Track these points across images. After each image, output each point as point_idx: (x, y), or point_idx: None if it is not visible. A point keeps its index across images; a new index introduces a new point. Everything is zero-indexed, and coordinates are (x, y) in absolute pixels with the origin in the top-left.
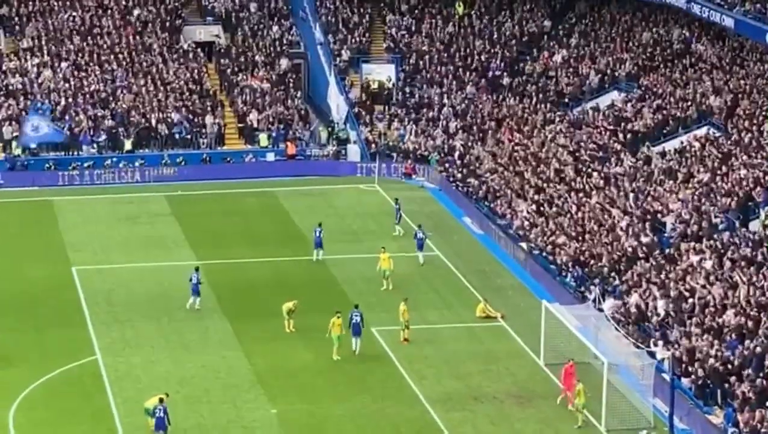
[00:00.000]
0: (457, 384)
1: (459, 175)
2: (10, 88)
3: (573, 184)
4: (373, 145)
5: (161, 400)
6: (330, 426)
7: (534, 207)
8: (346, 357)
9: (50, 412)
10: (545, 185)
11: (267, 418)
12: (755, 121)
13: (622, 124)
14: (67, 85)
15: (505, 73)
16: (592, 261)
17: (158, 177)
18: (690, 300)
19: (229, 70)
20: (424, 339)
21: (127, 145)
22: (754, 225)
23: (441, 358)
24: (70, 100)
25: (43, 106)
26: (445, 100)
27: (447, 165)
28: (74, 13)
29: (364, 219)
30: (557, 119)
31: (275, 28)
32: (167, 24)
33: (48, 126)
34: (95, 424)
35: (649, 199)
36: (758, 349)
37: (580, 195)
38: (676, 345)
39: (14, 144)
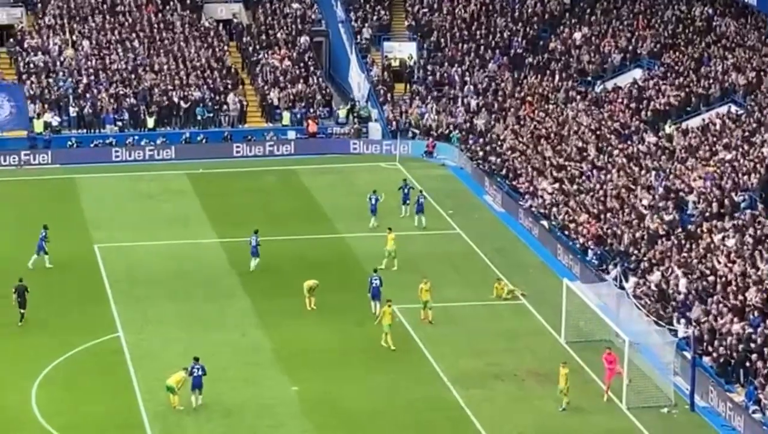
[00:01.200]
0: (477, 362)
1: (480, 153)
2: (32, 65)
3: (595, 162)
4: (394, 123)
5: (196, 359)
6: (350, 403)
7: (555, 185)
8: (366, 334)
9: (72, 389)
10: (567, 163)
11: (287, 396)
12: None
13: (644, 102)
14: (89, 63)
15: (526, 51)
16: (613, 240)
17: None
18: (712, 278)
19: (250, 48)
20: (444, 317)
21: (149, 122)
22: None
23: (461, 336)
24: (92, 78)
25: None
26: (467, 78)
27: (469, 143)
28: None
29: (384, 198)
30: (579, 97)
31: (296, 5)
32: (188, 2)
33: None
34: (116, 401)
35: (671, 177)
36: None
37: (602, 173)
38: (697, 323)
39: (36, 122)
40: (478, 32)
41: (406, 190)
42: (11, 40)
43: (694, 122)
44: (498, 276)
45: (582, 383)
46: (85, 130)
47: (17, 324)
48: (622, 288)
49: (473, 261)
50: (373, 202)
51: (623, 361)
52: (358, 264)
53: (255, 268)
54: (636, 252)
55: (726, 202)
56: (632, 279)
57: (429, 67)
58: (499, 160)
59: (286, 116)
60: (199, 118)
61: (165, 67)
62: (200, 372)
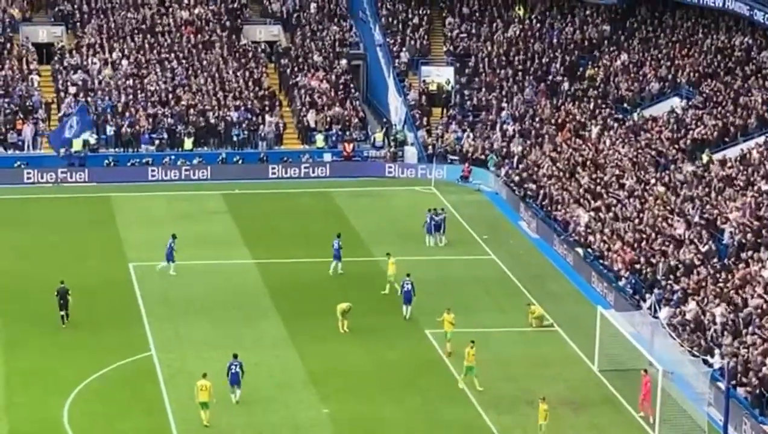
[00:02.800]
0: (510, 388)
1: (517, 179)
2: (70, 84)
3: (632, 190)
4: (430, 148)
5: (235, 356)
6: (382, 427)
7: (592, 212)
8: (398, 358)
9: (104, 407)
10: (603, 191)
11: (319, 418)
12: None
13: (682, 131)
14: (128, 82)
15: (564, 78)
16: (648, 269)
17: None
18: (747, 309)
19: (288, 70)
20: (477, 343)
21: (187, 143)
22: None
23: (494, 361)
24: (131, 97)
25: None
26: (504, 104)
27: (505, 168)
28: (136, 13)
29: (419, 221)
30: (616, 125)
31: (335, 28)
32: (228, 23)
33: (80, 122)
34: (148, 419)
35: (708, 206)
36: None
37: (639, 201)
38: (732, 355)
39: (75, 140)
40: (516, 58)
41: (438, 219)
42: (55, 57)
43: (732, 152)
44: (529, 300)
45: (614, 412)
46: (122, 149)
47: (60, 327)
48: (656, 317)
49: (507, 287)
50: (429, 221)
51: (656, 390)
52: (391, 287)
53: (339, 272)
54: (671, 281)
55: (763, 232)
56: (667, 309)
57: (466, 92)
58: (535, 186)
59: (321, 139)
60: (234, 139)
61: (203, 87)
62: (237, 369)
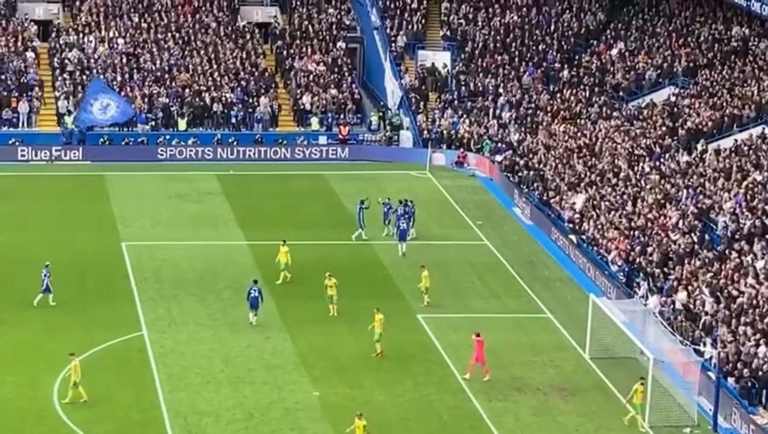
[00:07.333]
0: (501, 374)
1: (511, 165)
2: (66, 62)
3: (626, 179)
4: (426, 132)
5: (255, 282)
6: (372, 411)
7: (585, 200)
8: (389, 342)
9: (94, 385)
10: (598, 179)
11: (309, 400)
12: None
13: (678, 120)
14: (123, 61)
15: (561, 65)
16: (641, 257)
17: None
18: (739, 300)
19: (284, 52)
20: (469, 328)
21: (181, 123)
22: None
23: (486, 348)
24: (126, 76)
25: (100, 83)
26: (500, 90)
27: (500, 154)
28: None
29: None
30: (612, 113)
31: (332, 11)
32: (225, 3)
33: (116, 104)
34: (138, 399)
35: (702, 196)
36: None
37: (633, 190)
38: (722, 344)
39: (68, 118)
40: (513, 44)
41: (386, 209)
42: (52, 35)
43: (727, 142)
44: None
45: (605, 400)
46: (117, 128)
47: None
48: (648, 305)
49: (500, 273)
50: (385, 210)
51: (647, 378)
52: (383, 270)
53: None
54: (664, 270)
55: (756, 223)
56: (657, 298)
57: (462, 78)
58: (529, 172)
59: (316, 122)
60: (233, 121)
61: (199, 68)
62: (256, 293)
